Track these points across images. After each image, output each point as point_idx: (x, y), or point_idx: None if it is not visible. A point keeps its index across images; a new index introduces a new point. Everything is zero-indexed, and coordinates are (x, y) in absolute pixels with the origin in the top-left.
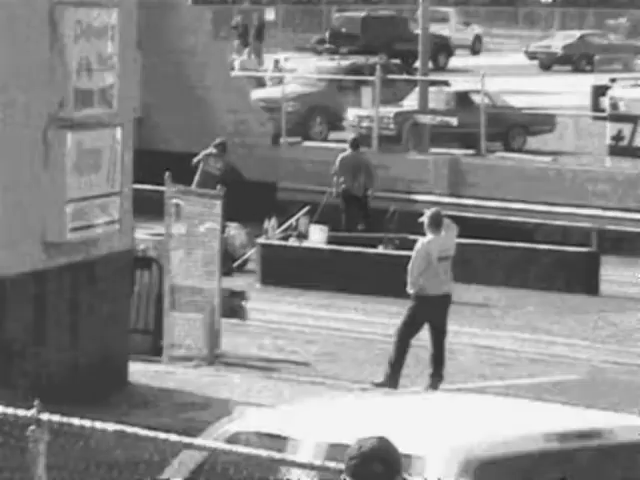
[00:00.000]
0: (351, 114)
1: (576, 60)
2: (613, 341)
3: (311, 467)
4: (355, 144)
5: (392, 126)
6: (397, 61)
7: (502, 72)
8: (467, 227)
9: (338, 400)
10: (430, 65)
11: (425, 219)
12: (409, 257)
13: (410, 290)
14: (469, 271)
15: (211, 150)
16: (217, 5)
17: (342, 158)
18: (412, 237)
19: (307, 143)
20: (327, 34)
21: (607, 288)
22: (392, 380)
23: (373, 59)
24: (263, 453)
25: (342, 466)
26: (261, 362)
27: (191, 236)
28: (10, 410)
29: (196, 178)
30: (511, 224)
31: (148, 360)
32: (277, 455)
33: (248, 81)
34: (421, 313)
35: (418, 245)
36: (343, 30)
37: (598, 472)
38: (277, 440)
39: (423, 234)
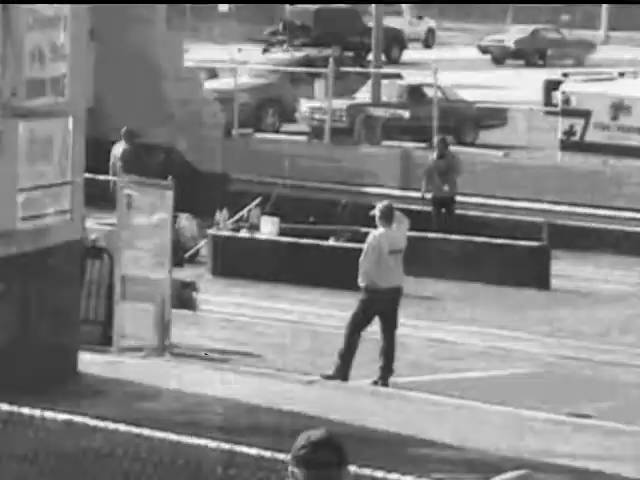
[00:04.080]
0: (304, 106)
1: (529, 55)
2: (563, 336)
3: (274, 460)
4: (444, 145)
5: (344, 118)
6: (350, 54)
7: (455, 66)
8: (419, 220)
9: None
10: (383, 58)
11: (377, 212)
12: (360, 250)
13: (361, 283)
14: (420, 264)
15: (120, 144)
16: None
17: (434, 161)
18: (363, 230)
19: (259, 135)
20: (280, 26)
21: (558, 283)
22: (342, 373)
23: (326, 51)
24: (225, 446)
25: (288, 457)
26: (211, 353)
27: (142, 226)
28: None
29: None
30: (462, 217)
31: (98, 350)
32: (238, 448)
33: (200, 72)
34: (372, 306)
35: (370, 238)
36: (296, 22)
37: None
38: None
39: (374, 227)
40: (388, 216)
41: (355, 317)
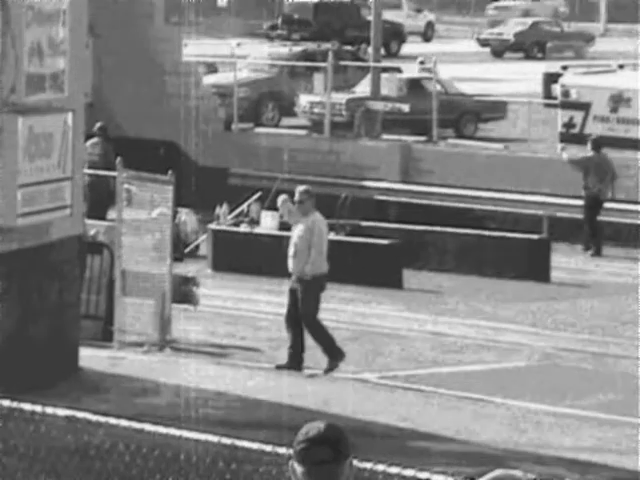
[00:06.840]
0: (303, 100)
1: (528, 47)
2: (563, 328)
3: (275, 454)
4: (597, 145)
5: (344, 112)
6: (349, 47)
7: (454, 59)
8: (418, 213)
9: None
10: (382, 52)
11: (303, 197)
12: (361, 243)
13: (315, 271)
14: (420, 258)
15: (95, 140)
16: None
17: (587, 159)
18: (364, 223)
19: (259, 129)
20: (279, 20)
21: (558, 275)
22: (334, 362)
23: (325, 45)
24: (226, 440)
25: (291, 451)
26: (212, 348)
27: (142, 221)
28: None
29: None
30: (462, 211)
31: (99, 346)
32: (239, 442)
33: (199, 66)
34: (318, 292)
35: (317, 223)
36: (295, 16)
37: None
38: None
39: (375, 220)
40: (313, 201)
41: (312, 307)
